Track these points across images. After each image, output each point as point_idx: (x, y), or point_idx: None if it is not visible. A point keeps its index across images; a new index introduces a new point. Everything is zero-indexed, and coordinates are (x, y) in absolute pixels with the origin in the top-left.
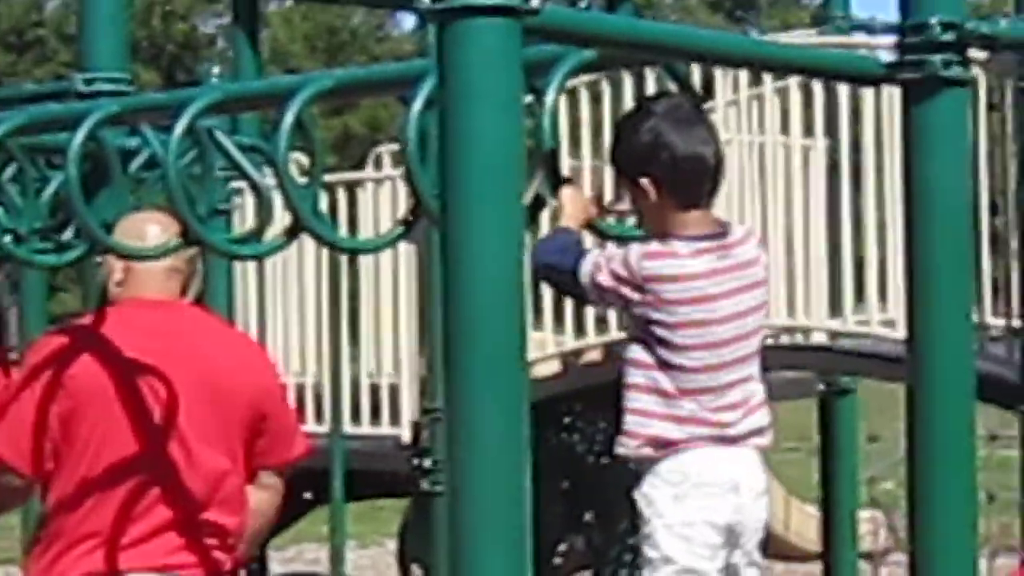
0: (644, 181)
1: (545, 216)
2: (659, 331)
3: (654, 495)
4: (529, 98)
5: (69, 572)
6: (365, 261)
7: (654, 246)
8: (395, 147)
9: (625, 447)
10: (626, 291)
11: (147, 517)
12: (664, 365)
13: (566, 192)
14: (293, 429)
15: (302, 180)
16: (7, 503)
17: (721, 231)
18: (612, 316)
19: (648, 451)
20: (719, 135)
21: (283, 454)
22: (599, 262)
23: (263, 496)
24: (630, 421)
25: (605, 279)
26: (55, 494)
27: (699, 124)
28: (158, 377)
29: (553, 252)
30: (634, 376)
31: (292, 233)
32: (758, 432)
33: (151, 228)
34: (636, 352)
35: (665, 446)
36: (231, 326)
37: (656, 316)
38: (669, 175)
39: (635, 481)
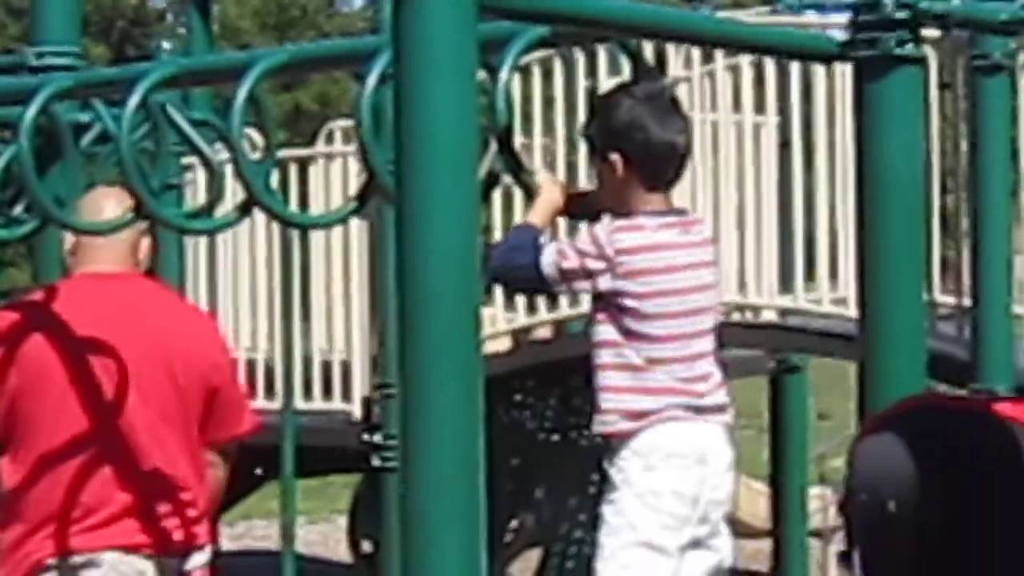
0: (614, 156)
1: (519, 200)
2: (628, 302)
3: (625, 465)
4: (482, 75)
5: (34, 554)
6: (316, 237)
7: (621, 222)
8: (346, 123)
9: (603, 424)
10: (594, 265)
11: (109, 495)
12: (633, 336)
13: (543, 176)
14: (241, 404)
15: (253, 156)
16: None
17: (679, 210)
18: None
19: (626, 425)
20: (691, 128)
21: (232, 429)
22: (561, 248)
23: (210, 473)
24: (604, 398)
25: (571, 262)
26: (13, 475)
27: (675, 114)
28: (111, 351)
29: (509, 252)
30: (603, 356)
31: (245, 208)
32: (723, 408)
33: (107, 203)
34: (602, 333)
35: (640, 418)
36: (183, 299)
37: (626, 287)
38: (640, 155)
39: (606, 453)
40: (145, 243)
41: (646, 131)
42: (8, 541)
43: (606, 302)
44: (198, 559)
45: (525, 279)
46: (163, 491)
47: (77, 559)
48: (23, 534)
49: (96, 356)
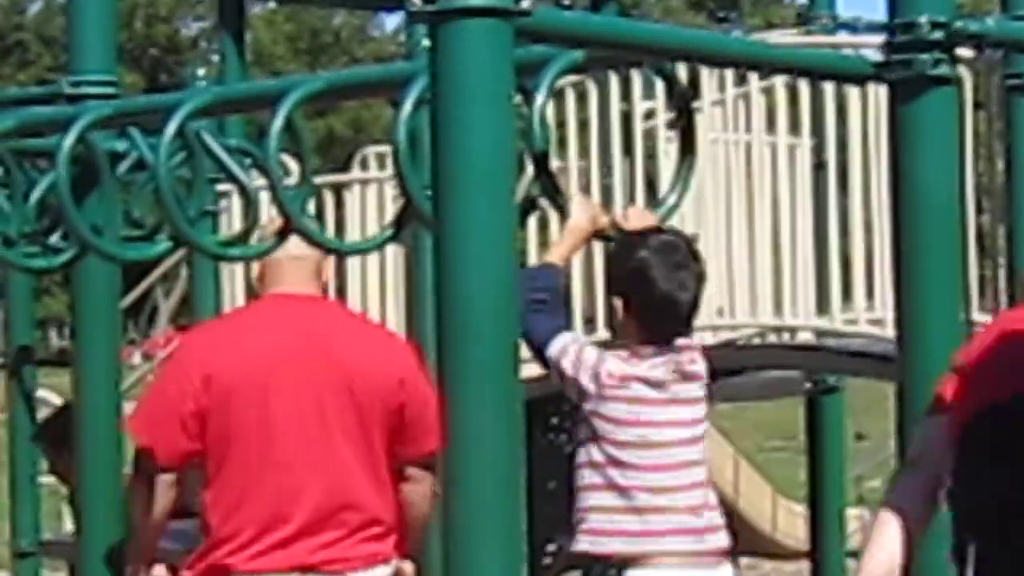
0: (616, 301)
1: (555, 223)
2: (606, 426)
3: None
4: (517, 99)
5: (213, 571)
6: (352, 263)
7: (620, 351)
8: (380, 148)
9: (587, 544)
10: (584, 381)
11: (291, 515)
12: (614, 462)
13: (576, 200)
14: (433, 421)
15: (289, 182)
16: (164, 502)
17: (671, 349)
18: (600, 317)
19: (615, 547)
20: (704, 278)
21: (423, 446)
22: (567, 347)
23: (411, 488)
24: (592, 519)
25: (568, 365)
26: (204, 492)
27: (685, 269)
28: (295, 370)
29: (528, 315)
30: (588, 478)
31: (282, 234)
32: (723, 550)
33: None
34: (586, 455)
35: (631, 555)
36: (369, 321)
37: (605, 411)
38: (639, 306)
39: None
40: (329, 265)
41: (650, 284)
42: (195, 555)
43: (588, 421)
44: (381, 572)
45: (530, 344)
46: (343, 508)
47: None
48: (206, 550)
49: (281, 376)
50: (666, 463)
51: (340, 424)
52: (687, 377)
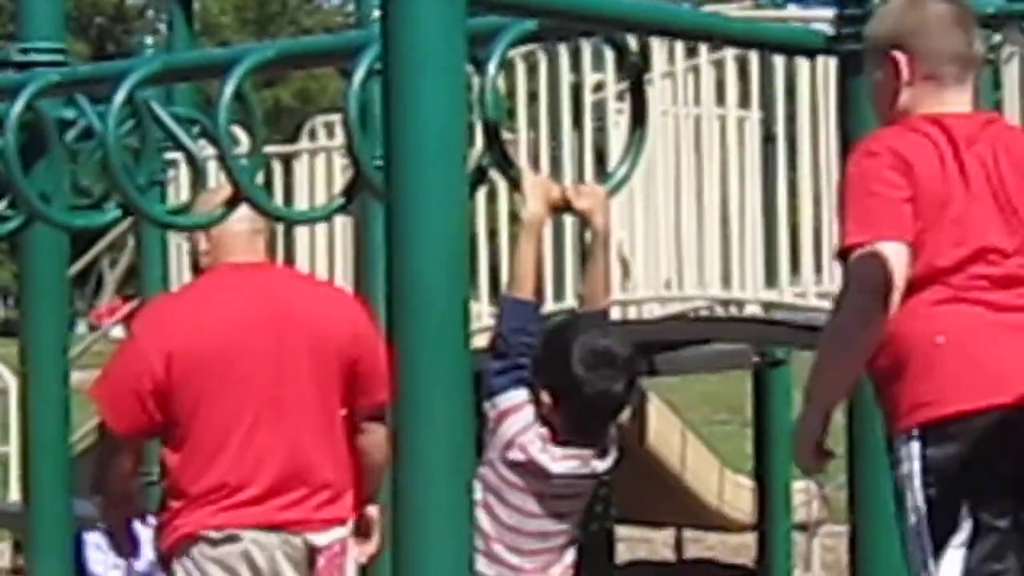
0: (544, 394)
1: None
2: (496, 480)
3: None
4: (469, 69)
5: (182, 528)
6: (301, 233)
7: (544, 434)
8: (329, 118)
9: None
10: (498, 443)
11: (256, 477)
12: (488, 506)
13: (528, 181)
14: (384, 372)
15: (238, 152)
16: (129, 464)
17: (592, 454)
18: (549, 287)
19: None
20: (635, 382)
21: (375, 396)
22: (507, 408)
23: (366, 439)
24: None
25: (497, 425)
26: (171, 456)
27: (611, 366)
28: (257, 336)
29: (497, 350)
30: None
31: (231, 203)
32: None
33: (218, 198)
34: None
35: None
36: (319, 281)
37: (500, 470)
38: (568, 409)
39: None
40: (273, 231)
41: (581, 392)
42: (165, 516)
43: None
44: (336, 533)
45: (488, 379)
46: (303, 470)
47: (216, 535)
48: (177, 510)
49: (241, 344)
50: (533, 531)
51: (298, 388)
52: (589, 476)
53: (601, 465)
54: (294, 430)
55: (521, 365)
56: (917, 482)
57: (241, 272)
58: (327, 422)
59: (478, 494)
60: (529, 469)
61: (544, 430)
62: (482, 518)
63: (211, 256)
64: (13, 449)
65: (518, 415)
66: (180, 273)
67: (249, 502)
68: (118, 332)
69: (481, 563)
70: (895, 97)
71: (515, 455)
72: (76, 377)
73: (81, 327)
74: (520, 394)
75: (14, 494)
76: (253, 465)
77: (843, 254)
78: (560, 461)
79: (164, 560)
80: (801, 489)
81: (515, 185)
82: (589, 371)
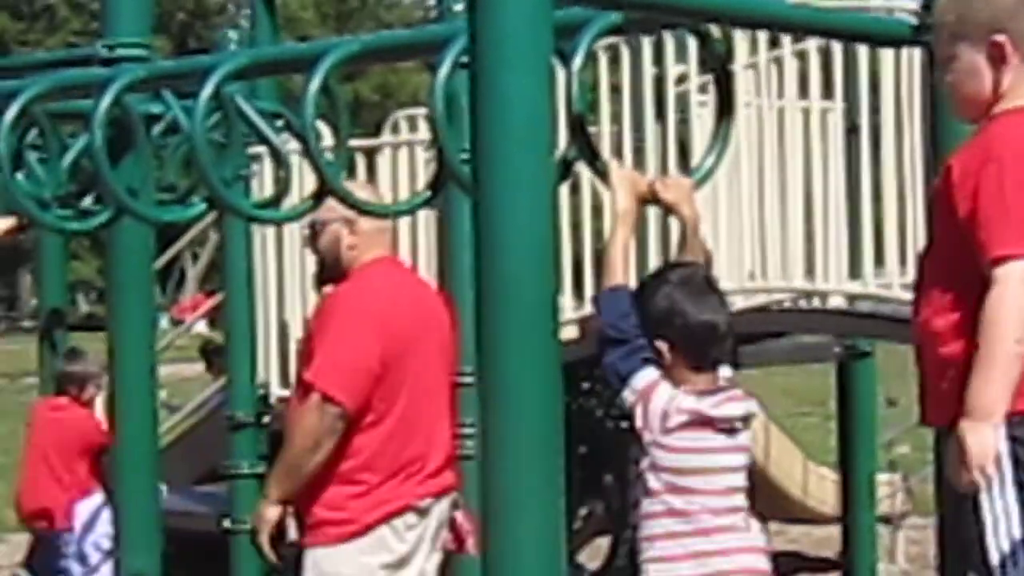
0: (659, 344)
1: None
2: (667, 456)
3: None
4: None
5: (396, 501)
6: None
7: (686, 387)
8: (411, 112)
9: (660, 571)
10: (652, 418)
11: (432, 448)
12: (673, 488)
13: (616, 174)
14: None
15: (322, 146)
16: (326, 443)
17: (724, 388)
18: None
19: (688, 571)
20: (728, 306)
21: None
22: (645, 386)
23: None
24: (659, 546)
25: (641, 405)
26: (365, 435)
27: (711, 293)
28: (427, 324)
29: (613, 339)
30: (647, 507)
31: (318, 197)
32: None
33: (360, 193)
34: (642, 485)
35: None
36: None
37: (667, 442)
38: (681, 339)
39: None
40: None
41: (684, 316)
42: (368, 485)
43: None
44: (456, 498)
45: (608, 368)
46: (446, 443)
47: (422, 504)
48: (381, 481)
49: (422, 329)
50: (721, 488)
51: (439, 369)
52: (743, 419)
53: (752, 405)
54: (441, 407)
55: (642, 345)
56: (1006, 463)
57: (399, 266)
58: (449, 399)
59: (654, 483)
60: (694, 424)
61: (687, 387)
62: (671, 501)
63: (357, 250)
64: None
65: (659, 388)
66: (264, 267)
67: (432, 474)
68: (200, 327)
69: (699, 541)
70: (995, 82)
71: (676, 419)
72: (160, 371)
73: (164, 322)
74: (652, 371)
75: None
76: (427, 439)
77: (995, 261)
78: (717, 407)
79: (360, 532)
80: (885, 481)
81: (602, 177)
82: (692, 303)
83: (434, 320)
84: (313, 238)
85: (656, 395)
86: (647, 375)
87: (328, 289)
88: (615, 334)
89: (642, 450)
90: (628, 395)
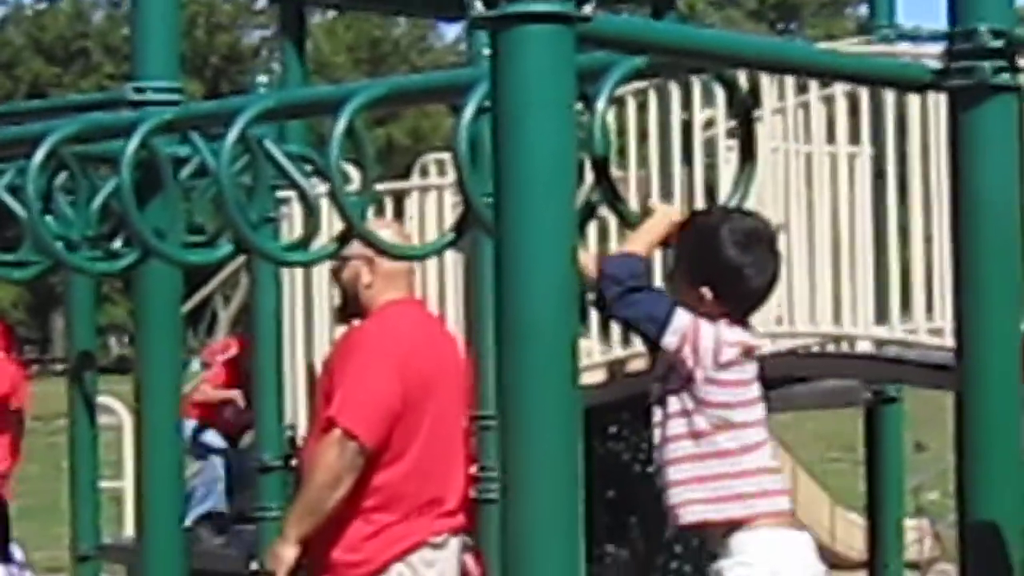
0: (704, 289)
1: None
2: (719, 392)
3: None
4: (578, 105)
5: (412, 536)
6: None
7: (721, 320)
8: (440, 155)
9: (710, 512)
10: (704, 355)
11: (449, 487)
12: (727, 425)
13: (663, 207)
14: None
15: (349, 189)
16: (346, 479)
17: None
18: None
19: (734, 512)
20: (780, 256)
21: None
22: (685, 327)
23: None
24: (701, 489)
25: (689, 345)
26: (384, 472)
27: (771, 254)
28: (446, 364)
29: (635, 290)
30: (690, 448)
31: (343, 240)
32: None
33: (384, 232)
34: (686, 425)
35: (746, 518)
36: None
37: (721, 377)
38: (732, 297)
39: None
40: None
41: (745, 281)
42: (385, 522)
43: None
44: (467, 540)
45: (642, 330)
46: (462, 482)
47: (437, 540)
48: (400, 518)
49: (442, 369)
50: (758, 418)
51: (456, 410)
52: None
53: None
54: (457, 449)
55: (662, 291)
56: None
57: (419, 308)
58: (463, 439)
59: (702, 424)
60: (748, 354)
61: (723, 320)
62: (720, 442)
63: (374, 289)
64: (128, 484)
65: (702, 325)
66: (292, 310)
67: (446, 514)
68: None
69: (743, 484)
70: None
71: (727, 353)
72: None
73: (195, 364)
74: (684, 311)
75: (128, 529)
76: (443, 481)
77: None
78: (754, 336)
79: (378, 571)
80: (913, 527)
81: (624, 221)
82: (757, 267)
83: (451, 363)
84: (337, 271)
85: (703, 333)
86: (684, 315)
87: (350, 324)
88: (634, 283)
89: (683, 392)
90: (670, 338)
